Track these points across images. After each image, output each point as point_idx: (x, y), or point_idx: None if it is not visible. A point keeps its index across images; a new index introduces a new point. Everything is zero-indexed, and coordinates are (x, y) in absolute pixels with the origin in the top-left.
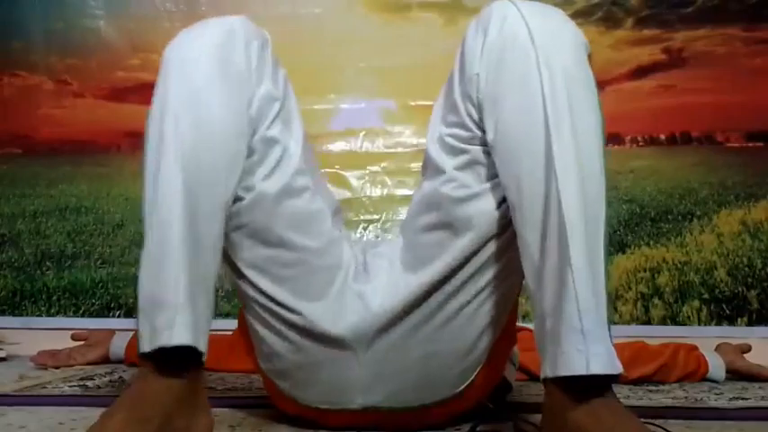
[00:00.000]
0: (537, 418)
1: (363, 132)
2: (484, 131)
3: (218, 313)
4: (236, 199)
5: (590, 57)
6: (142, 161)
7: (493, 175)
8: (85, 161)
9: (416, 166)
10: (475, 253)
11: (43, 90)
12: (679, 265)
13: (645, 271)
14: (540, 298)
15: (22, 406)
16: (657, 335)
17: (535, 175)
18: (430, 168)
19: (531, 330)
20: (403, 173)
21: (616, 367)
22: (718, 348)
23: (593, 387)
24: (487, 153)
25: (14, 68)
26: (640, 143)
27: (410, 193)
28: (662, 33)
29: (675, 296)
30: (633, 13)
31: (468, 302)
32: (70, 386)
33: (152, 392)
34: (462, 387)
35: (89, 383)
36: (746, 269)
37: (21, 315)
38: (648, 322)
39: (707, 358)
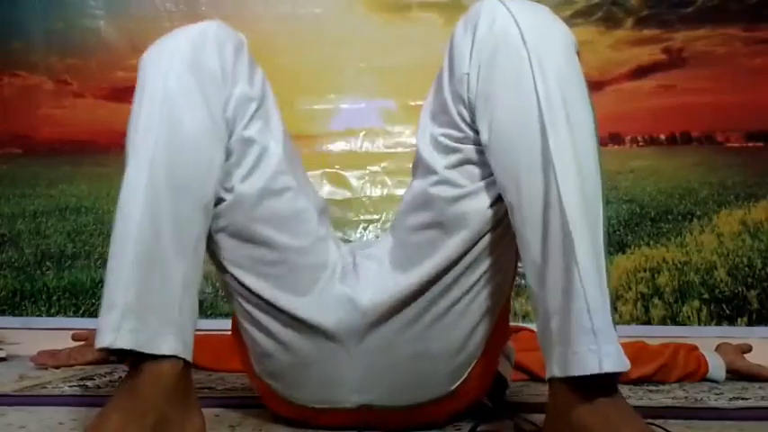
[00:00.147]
0: (537, 417)
1: (363, 132)
2: (476, 132)
3: (218, 313)
4: (218, 201)
5: (579, 54)
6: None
7: (485, 175)
8: (85, 161)
9: None
10: (465, 252)
11: (43, 90)
12: (679, 265)
13: (645, 271)
14: (544, 297)
15: (22, 406)
16: (657, 335)
17: (533, 173)
18: (421, 168)
19: (531, 330)
20: (403, 173)
21: (625, 364)
22: (718, 348)
23: (601, 386)
24: (480, 152)
25: (14, 68)
26: (640, 143)
27: None
28: (662, 33)
29: (675, 296)
30: (633, 13)
31: (459, 300)
32: (70, 386)
33: (143, 388)
34: (455, 385)
35: (89, 383)
36: (746, 269)
37: (21, 315)
38: (648, 322)
39: (707, 358)
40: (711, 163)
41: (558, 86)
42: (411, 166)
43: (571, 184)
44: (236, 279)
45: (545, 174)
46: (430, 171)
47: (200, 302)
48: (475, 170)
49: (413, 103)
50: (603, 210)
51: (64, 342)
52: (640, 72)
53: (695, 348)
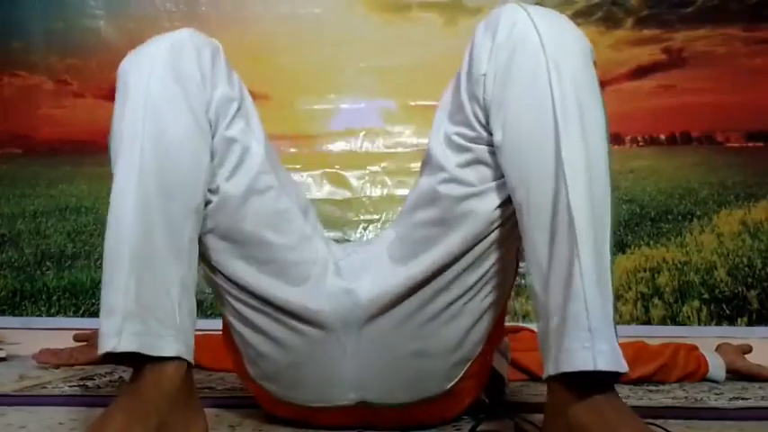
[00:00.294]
0: (537, 417)
1: (363, 132)
2: (489, 133)
3: (218, 313)
4: (205, 203)
5: (595, 63)
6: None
7: (495, 176)
8: (85, 161)
9: (416, 166)
10: (467, 251)
11: (43, 90)
12: (679, 265)
13: (645, 271)
14: (546, 298)
15: (22, 406)
16: (657, 335)
17: (544, 175)
18: (431, 165)
19: (531, 330)
20: (403, 173)
21: (621, 366)
22: (718, 348)
23: (596, 385)
24: (491, 153)
25: (14, 68)
26: (640, 143)
27: None
28: (662, 33)
29: (675, 296)
30: (633, 13)
31: (458, 298)
32: (70, 386)
33: (145, 393)
34: (452, 384)
35: (89, 383)
36: (746, 269)
37: (21, 315)
38: (648, 322)
39: (707, 358)
40: (711, 163)
41: (574, 91)
42: (411, 165)
43: (581, 186)
44: (227, 278)
45: (556, 176)
46: (440, 169)
47: (200, 303)
48: (485, 171)
49: (413, 103)
50: (611, 213)
51: (64, 342)
52: (640, 72)
53: (695, 348)
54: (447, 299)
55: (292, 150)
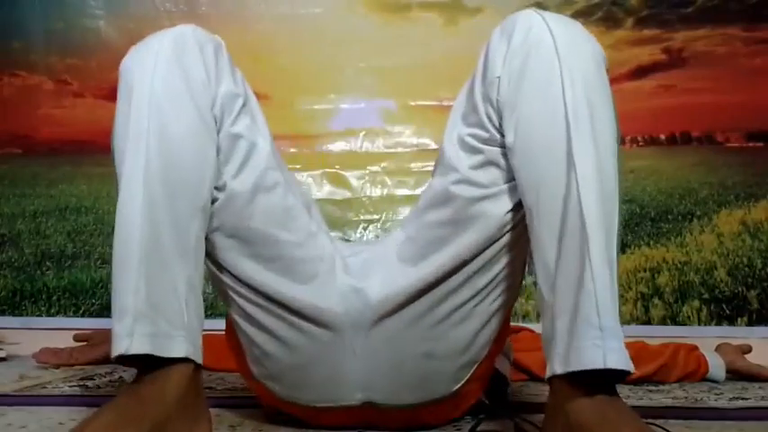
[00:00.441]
0: (538, 417)
1: (363, 132)
2: (502, 134)
3: (218, 313)
4: (211, 201)
5: (608, 71)
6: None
7: (506, 179)
8: (85, 161)
9: (416, 166)
10: (477, 254)
11: (43, 90)
12: (679, 265)
13: (645, 271)
14: (553, 299)
15: (22, 406)
16: (657, 335)
17: (555, 178)
18: (443, 166)
19: (531, 330)
20: (403, 173)
21: (630, 365)
22: (718, 348)
23: (601, 385)
24: (504, 155)
25: (14, 68)
26: (640, 143)
27: (410, 192)
28: (662, 33)
29: (675, 296)
30: (633, 13)
31: (468, 301)
32: (70, 386)
33: (145, 394)
34: (459, 385)
35: (89, 383)
36: (746, 269)
37: (21, 315)
38: (648, 322)
39: (707, 358)
40: (711, 163)
41: (586, 96)
42: (411, 165)
43: (592, 189)
44: (233, 276)
45: (567, 178)
46: (452, 169)
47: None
48: (498, 173)
49: (413, 103)
50: (619, 215)
51: (64, 342)
52: (640, 72)
53: (695, 348)
54: (457, 301)
55: (292, 150)
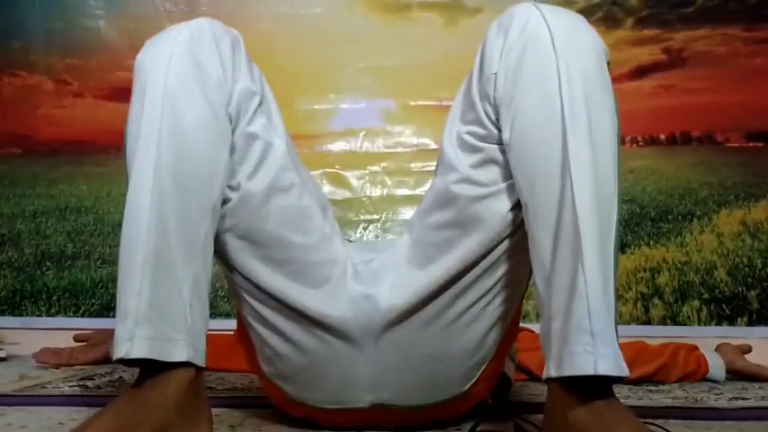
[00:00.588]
0: (538, 417)
1: (363, 132)
2: (500, 130)
3: (218, 313)
4: (224, 200)
5: (609, 64)
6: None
7: (507, 177)
8: (85, 161)
9: (416, 166)
10: (484, 255)
11: (43, 90)
12: (679, 265)
13: (645, 271)
14: (549, 299)
15: (22, 406)
16: (657, 335)
17: (550, 175)
18: (443, 165)
19: (531, 330)
20: (403, 173)
21: (623, 370)
22: (718, 348)
23: (596, 388)
24: (503, 152)
25: (14, 68)
26: (640, 143)
27: (410, 193)
28: (662, 33)
29: (675, 296)
30: (633, 13)
31: (476, 303)
32: (70, 386)
33: (144, 398)
34: (467, 386)
35: (89, 383)
36: (746, 269)
37: (21, 315)
38: (648, 322)
39: (707, 358)
40: (711, 163)
41: (583, 91)
42: (411, 165)
43: (586, 188)
44: (244, 277)
45: (562, 176)
46: (452, 169)
47: None
48: (498, 171)
49: (413, 103)
50: (617, 215)
51: (64, 342)
52: (640, 72)
53: (695, 348)
54: (465, 303)
55: None
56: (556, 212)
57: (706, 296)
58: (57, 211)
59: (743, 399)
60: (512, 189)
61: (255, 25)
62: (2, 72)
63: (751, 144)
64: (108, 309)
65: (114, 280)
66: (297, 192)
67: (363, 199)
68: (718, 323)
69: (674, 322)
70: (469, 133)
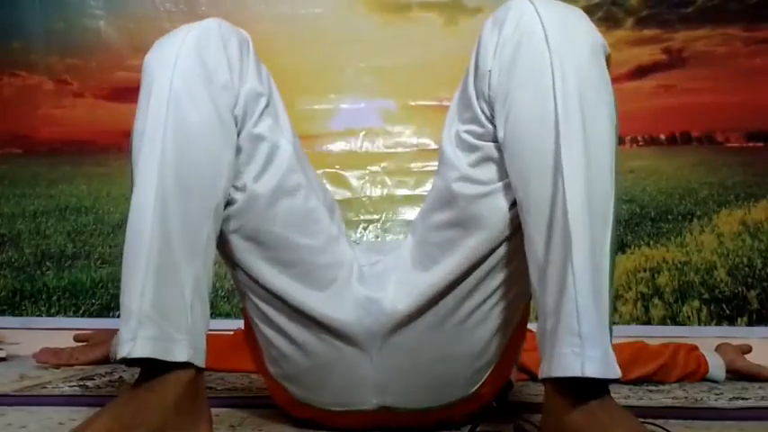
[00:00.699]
0: (538, 417)
1: (363, 132)
2: (496, 127)
3: (218, 313)
4: (230, 201)
5: (608, 57)
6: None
7: (506, 174)
8: (85, 161)
9: (416, 166)
10: (486, 255)
11: (43, 90)
12: (679, 265)
13: (645, 271)
14: (543, 298)
15: (22, 406)
16: (657, 335)
17: (543, 174)
18: (444, 165)
19: (531, 330)
20: (403, 173)
21: (613, 371)
22: (718, 348)
23: (590, 388)
24: (500, 150)
25: (14, 68)
26: (640, 143)
27: (410, 193)
28: (662, 33)
29: (675, 296)
30: (633, 13)
31: (481, 305)
32: (70, 386)
33: (143, 399)
34: (474, 388)
35: (89, 383)
36: (746, 269)
37: (21, 315)
38: (648, 322)
39: (707, 358)
40: (711, 163)
41: (577, 89)
42: (411, 165)
43: (578, 186)
44: (250, 278)
45: (554, 174)
46: (452, 168)
47: None
48: (496, 169)
49: (413, 103)
50: (614, 214)
51: (64, 342)
52: (640, 72)
53: (695, 348)
54: (470, 305)
55: None
56: (548, 211)
57: (706, 296)
58: (57, 211)
59: (743, 399)
60: (509, 188)
61: (255, 25)
62: (2, 72)
63: (751, 144)
64: (108, 309)
65: (114, 280)
66: (304, 193)
67: (363, 199)
68: (719, 323)
69: (674, 322)
70: (467, 132)
